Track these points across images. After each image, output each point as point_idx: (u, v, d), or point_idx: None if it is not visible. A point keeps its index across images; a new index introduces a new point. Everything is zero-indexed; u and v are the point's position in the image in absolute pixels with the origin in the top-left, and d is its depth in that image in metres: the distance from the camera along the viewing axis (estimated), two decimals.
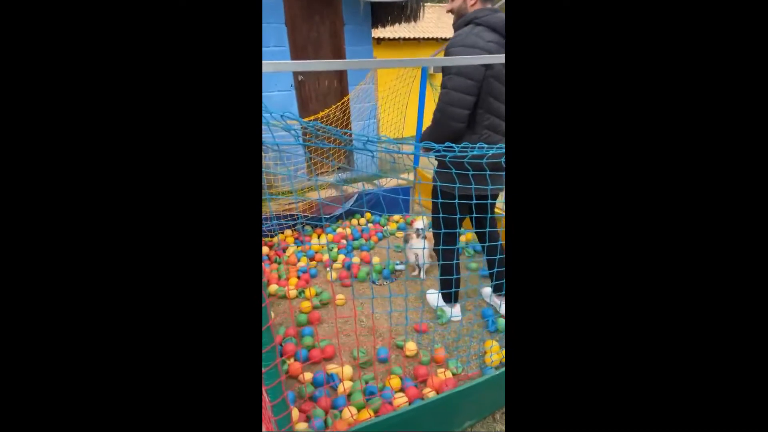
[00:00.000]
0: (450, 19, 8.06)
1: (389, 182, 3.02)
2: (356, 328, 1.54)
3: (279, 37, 3.20)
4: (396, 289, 1.87)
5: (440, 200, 1.32)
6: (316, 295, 1.77)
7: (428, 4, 7.14)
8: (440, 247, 1.43)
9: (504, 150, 0.90)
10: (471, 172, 1.10)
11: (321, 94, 3.55)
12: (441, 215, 1.38)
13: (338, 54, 3.47)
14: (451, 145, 0.90)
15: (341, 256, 2.14)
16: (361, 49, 3.53)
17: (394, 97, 2.69)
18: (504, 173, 1.23)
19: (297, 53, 3.31)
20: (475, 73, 1.10)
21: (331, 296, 1.75)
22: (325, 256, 2.14)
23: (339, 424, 1.06)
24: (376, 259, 2.13)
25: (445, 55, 1.14)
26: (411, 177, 3.05)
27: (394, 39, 6.52)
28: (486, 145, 0.97)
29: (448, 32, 7.37)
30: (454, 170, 1.06)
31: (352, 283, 1.90)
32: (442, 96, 1.15)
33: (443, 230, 1.38)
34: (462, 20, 1.18)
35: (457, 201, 1.20)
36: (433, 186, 1.37)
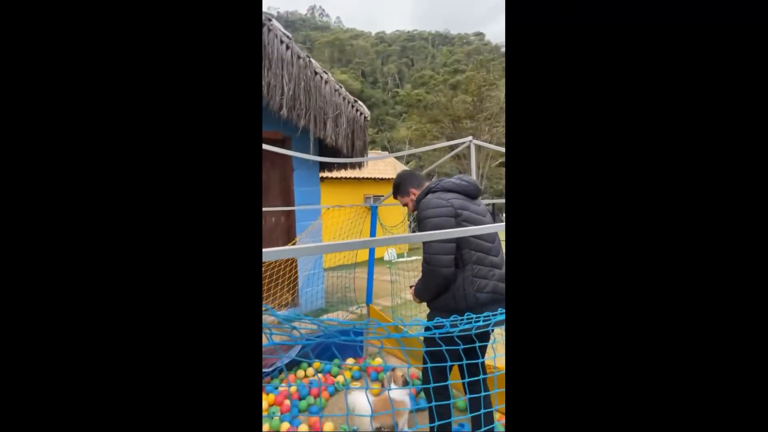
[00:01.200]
0: (385, 164, 9.43)
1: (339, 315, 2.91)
2: None
3: None
4: None
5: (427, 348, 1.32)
6: None
7: (370, 148, 8.56)
8: (432, 403, 1.35)
9: (484, 320, 1.02)
10: (461, 347, 1.13)
11: (266, 230, 3.65)
12: (429, 365, 1.34)
13: (287, 194, 3.78)
14: (441, 321, 0.98)
15: (285, 425, 1.82)
16: (309, 190, 3.90)
17: (346, 231, 2.88)
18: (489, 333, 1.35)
19: None
20: (448, 224, 1.32)
21: None
22: (266, 426, 1.81)
23: None
24: (328, 427, 1.85)
25: (421, 221, 1.38)
26: (363, 311, 3.00)
27: (337, 178, 7.38)
28: (474, 316, 1.09)
29: (384, 173, 8.63)
30: (444, 346, 1.08)
31: None
32: (426, 249, 1.33)
33: (432, 384, 1.35)
34: (419, 196, 1.48)
35: (444, 348, 1.20)
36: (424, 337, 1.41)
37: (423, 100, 16.65)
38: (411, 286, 1.51)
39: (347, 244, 0.75)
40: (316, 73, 3.36)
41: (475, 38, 72.56)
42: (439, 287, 1.35)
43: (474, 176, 2.30)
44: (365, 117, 3.90)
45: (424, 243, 1.34)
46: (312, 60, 3.34)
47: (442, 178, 1.48)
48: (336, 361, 2.44)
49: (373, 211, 2.65)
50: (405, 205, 1.59)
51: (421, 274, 1.38)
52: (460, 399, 1.76)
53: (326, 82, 3.46)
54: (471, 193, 1.43)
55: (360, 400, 1.73)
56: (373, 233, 2.65)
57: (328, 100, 3.48)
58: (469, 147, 2.04)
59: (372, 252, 2.73)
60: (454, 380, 1.57)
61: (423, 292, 1.40)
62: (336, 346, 2.51)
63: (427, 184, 1.50)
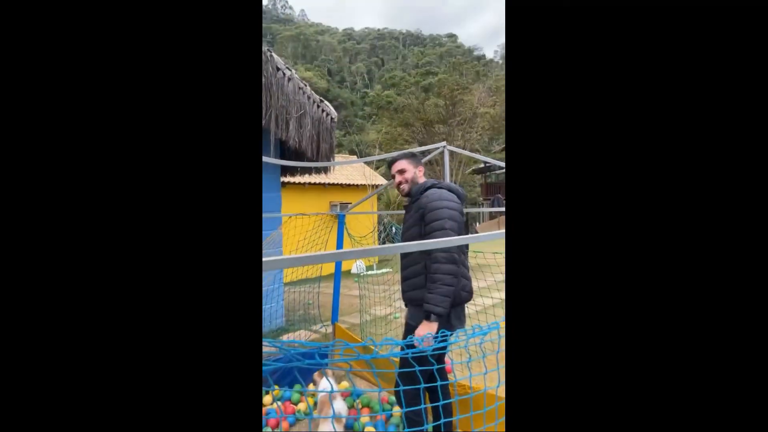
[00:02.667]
0: (353, 169, 9.39)
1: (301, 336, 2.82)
2: None
3: None
4: None
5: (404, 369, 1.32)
6: None
7: (337, 151, 8.49)
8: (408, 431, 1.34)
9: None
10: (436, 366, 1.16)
11: None
12: (401, 389, 1.38)
13: None
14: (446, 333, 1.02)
15: None
16: (270, 196, 3.79)
17: (310, 242, 2.81)
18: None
19: None
20: (458, 218, 1.43)
21: None
22: None
23: None
24: None
25: (433, 209, 1.41)
26: (329, 330, 2.92)
27: (299, 184, 7.24)
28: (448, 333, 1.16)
29: (351, 179, 8.60)
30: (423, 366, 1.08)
31: None
32: (441, 250, 1.34)
33: (408, 408, 1.36)
34: (420, 186, 1.54)
35: (417, 368, 1.20)
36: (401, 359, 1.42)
37: (393, 102, 16.84)
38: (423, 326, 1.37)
39: (316, 256, 0.72)
40: (278, 69, 3.29)
41: (447, 39, 75.00)
42: (456, 285, 1.36)
43: (447, 180, 2.33)
44: (332, 118, 3.87)
45: (438, 233, 1.37)
46: (273, 54, 3.27)
47: (440, 180, 1.59)
48: (297, 386, 2.35)
49: (341, 220, 2.60)
50: (401, 172, 1.58)
51: (433, 282, 1.34)
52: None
53: (289, 80, 3.39)
54: (463, 199, 1.57)
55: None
56: (340, 245, 2.60)
57: (291, 98, 3.41)
58: (442, 153, 2.06)
59: (339, 265, 2.68)
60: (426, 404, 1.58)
61: (447, 297, 1.32)
62: (298, 370, 2.41)
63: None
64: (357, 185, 8.56)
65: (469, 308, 1.61)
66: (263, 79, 3.08)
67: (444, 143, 2.07)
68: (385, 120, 17.04)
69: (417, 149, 2.54)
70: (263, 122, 3.13)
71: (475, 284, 1.65)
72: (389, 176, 1.66)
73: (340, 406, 1.92)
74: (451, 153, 2.08)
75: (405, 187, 1.58)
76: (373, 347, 2.05)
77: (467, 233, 1.56)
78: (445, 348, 1.21)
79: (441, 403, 1.41)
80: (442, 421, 1.42)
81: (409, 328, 1.46)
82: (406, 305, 1.56)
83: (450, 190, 1.52)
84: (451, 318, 1.43)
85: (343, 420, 1.96)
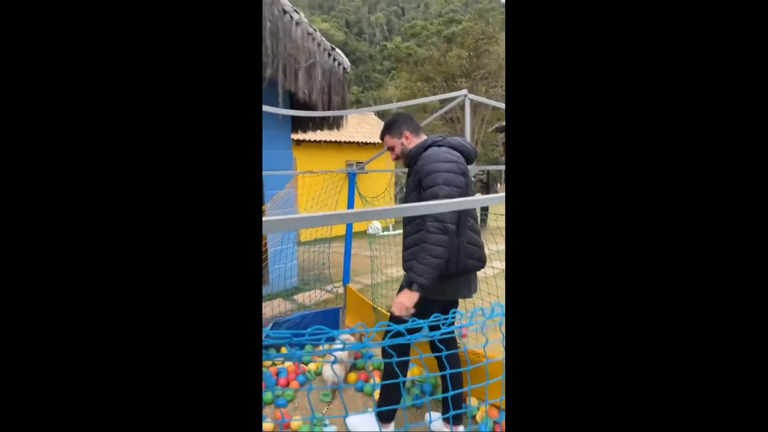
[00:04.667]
0: (370, 126, 9.15)
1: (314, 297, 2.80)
2: None
3: None
4: None
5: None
6: None
7: (353, 107, 8.20)
8: (393, 358, 1.34)
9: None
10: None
11: None
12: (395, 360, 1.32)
13: None
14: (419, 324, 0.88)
15: None
16: (279, 153, 3.65)
17: (320, 202, 2.71)
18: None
19: None
20: (458, 181, 1.29)
21: None
22: None
23: None
24: (298, 422, 1.76)
25: (427, 173, 1.29)
26: (340, 291, 2.89)
27: (314, 141, 7.06)
28: (441, 316, 1.00)
29: (369, 136, 8.32)
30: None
31: None
32: (435, 215, 1.25)
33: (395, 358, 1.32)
34: (419, 146, 1.41)
35: (407, 336, 1.14)
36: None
37: (414, 54, 15.97)
38: (407, 288, 1.30)
39: (327, 216, 0.63)
40: (284, 12, 3.02)
41: None
42: (446, 257, 1.28)
43: (468, 139, 2.12)
44: (345, 68, 3.60)
45: (432, 199, 1.26)
46: None
47: (444, 135, 1.43)
48: (308, 346, 2.34)
49: (351, 179, 2.46)
50: (391, 148, 1.49)
51: (422, 251, 1.25)
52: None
53: (297, 24, 3.12)
54: (471, 158, 1.43)
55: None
56: (351, 205, 2.47)
57: (300, 46, 3.15)
58: (463, 104, 1.84)
59: (350, 226, 2.57)
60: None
61: (432, 269, 1.24)
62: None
63: (423, 136, 1.46)
64: (375, 143, 8.27)
65: (485, 272, 1.50)
66: (267, 23, 2.83)
67: (465, 91, 1.84)
68: (404, 74, 16.28)
69: (436, 98, 2.31)
70: (269, 72, 2.92)
71: (494, 248, 1.53)
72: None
73: (342, 354, 1.91)
74: (473, 105, 1.86)
75: (399, 151, 1.48)
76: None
77: (484, 194, 1.43)
78: (452, 332, 1.13)
79: (448, 372, 1.36)
80: (450, 393, 1.36)
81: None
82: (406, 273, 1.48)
83: (453, 147, 1.38)
84: (454, 287, 1.38)
85: (346, 364, 1.98)
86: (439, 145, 1.38)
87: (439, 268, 1.25)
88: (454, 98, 1.91)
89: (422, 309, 1.30)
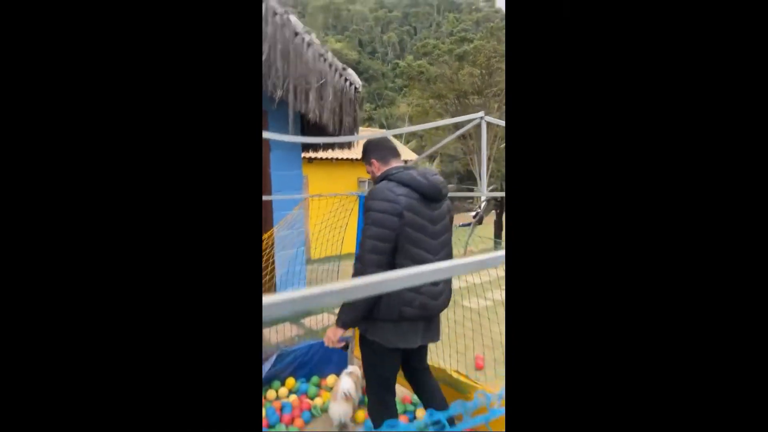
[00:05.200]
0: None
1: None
2: None
3: None
4: None
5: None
6: None
7: (362, 127, 8.19)
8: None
9: None
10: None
11: None
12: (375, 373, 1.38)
13: (263, 180, 3.48)
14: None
15: None
16: (289, 174, 3.61)
17: (329, 225, 2.62)
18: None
19: None
20: (390, 223, 1.24)
21: None
22: None
23: None
24: None
25: (366, 209, 1.29)
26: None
27: (327, 159, 7.06)
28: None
29: None
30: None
31: None
32: (361, 245, 1.27)
33: (379, 394, 1.38)
34: (379, 177, 1.41)
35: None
36: (361, 337, 1.38)
37: (426, 72, 16.10)
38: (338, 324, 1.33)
39: (330, 293, 0.79)
40: (296, 34, 3.01)
41: (485, 4, 70.85)
42: (366, 300, 1.24)
43: (483, 158, 2.01)
44: (356, 88, 3.57)
45: (362, 238, 1.26)
46: (291, 17, 2.99)
47: (409, 166, 1.39)
48: (314, 379, 2.22)
49: (361, 202, 2.37)
50: (369, 173, 1.49)
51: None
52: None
53: (309, 45, 3.11)
54: (429, 195, 1.30)
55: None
56: (360, 226, 2.38)
57: (311, 66, 3.13)
58: (479, 125, 1.75)
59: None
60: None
61: (352, 310, 1.27)
62: (315, 361, 2.28)
63: (393, 163, 1.40)
64: None
65: (479, 303, 1.39)
66: (279, 45, 2.82)
67: (482, 113, 1.74)
68: (416, 92, 16.39)
69: (450, 121, 2.22)
70: (279, 93, 2.90)
71: (471, 280, 1.42)
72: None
73: (348, 385, 1.77)
74: (486, 125, 1.76)
75: (372, 179, 1.47)
76: None
77: (446, 232, 1.37)
78: None
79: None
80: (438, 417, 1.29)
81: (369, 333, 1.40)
82: None
83: (403, 183, 1.29)
84: (395, 334, 1.30)
85: (353, 397, 1.83)
86: (390, 179, 1.32)
87: (359, 310, 1.26)
88: (470, 120, 1.82)
89: (378, 355, 1.34)
